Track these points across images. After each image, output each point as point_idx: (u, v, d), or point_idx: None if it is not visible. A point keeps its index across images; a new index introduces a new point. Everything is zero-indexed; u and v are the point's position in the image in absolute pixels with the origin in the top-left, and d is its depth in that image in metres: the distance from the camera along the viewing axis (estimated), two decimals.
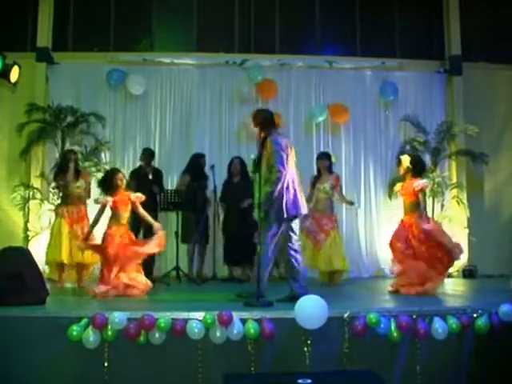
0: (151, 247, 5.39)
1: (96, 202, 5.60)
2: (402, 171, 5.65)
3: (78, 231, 5.96)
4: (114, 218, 5.43)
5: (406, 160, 5.58)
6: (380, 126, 8.41)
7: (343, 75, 8.42)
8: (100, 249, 5.34)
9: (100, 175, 7.38)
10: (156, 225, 5.51)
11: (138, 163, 7.45)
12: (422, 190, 5.49)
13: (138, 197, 5.52)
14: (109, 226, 5.40)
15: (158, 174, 7.32)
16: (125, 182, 5.55)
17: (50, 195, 7.28)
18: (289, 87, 8.31)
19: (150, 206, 6.95)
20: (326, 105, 8.14)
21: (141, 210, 5.53)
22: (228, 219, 7.05)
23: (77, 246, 5.76)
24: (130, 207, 5.48)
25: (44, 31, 8.01)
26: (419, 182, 5.48)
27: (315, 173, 6.68)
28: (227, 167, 7.24)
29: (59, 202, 6.38)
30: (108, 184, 5.51)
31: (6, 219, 7.74)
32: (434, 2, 8.79)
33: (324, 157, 6.72)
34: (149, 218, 5.55)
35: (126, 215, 5.47)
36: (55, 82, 7.99)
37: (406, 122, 8.10)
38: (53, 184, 6.72)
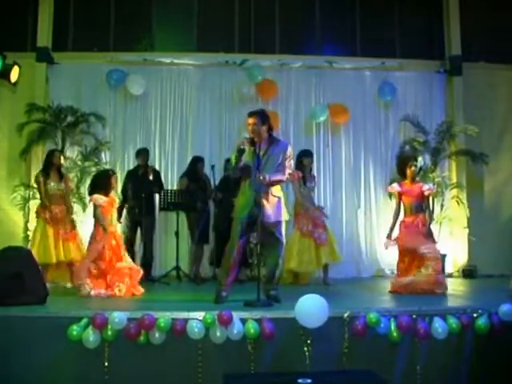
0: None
1: (94, 201, 5.61)
2: (413, 173, 5.66)
3: (61, 230, 5.99)
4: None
5: (420, 162, 5.67)
6: (380, 126, 8.41)
7: (343, 75, 8.41)
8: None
9: None
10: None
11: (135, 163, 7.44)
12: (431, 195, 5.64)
13: (116, 202, 5.70)
14: (97, 232, 5.42)
15: (157, 174, 7.32)
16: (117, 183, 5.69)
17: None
18: (289, 87, 8.31)
19: (151, 207, 6.96)
20: (327, 105, 8.14)
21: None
22: (220, 220, 6.92)
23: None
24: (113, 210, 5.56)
25: (44, 31, 8.00)
26: (430, 187, 5.70)
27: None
28: (224, 167, 7.18)
29: (40, 202, 6.30)
30: (103, 185, 5.55)
31: (6, 219, 7.74)
32: (434, 2, 8.79)
33: (311, 155, 6.73)
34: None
35: (110, 218, 5.50)
36: (55, 82, 7.98)
37: (406, 122, 8.09)
38: (32, 180, 6.71)
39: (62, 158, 6.48)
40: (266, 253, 4.83)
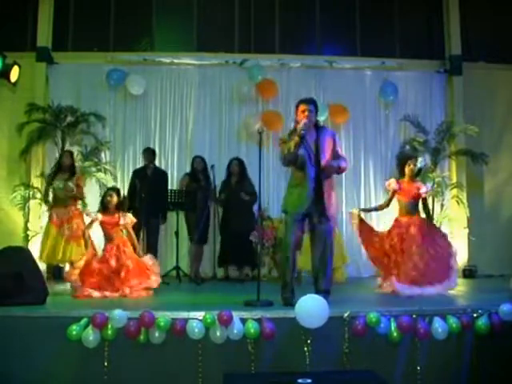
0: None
1: (87, 214, 5.67)
2: (412, 172, 5.65)
3: (65, 231, 5.98)
4: (106, 237, 5.51)
5: (420, 162, 5.65)
6: (380, 126, 8.41)
7: (343, 75, 8.41)
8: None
9: (100, 175, 7.42)
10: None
11: (141, 163, 7.45)
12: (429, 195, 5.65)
13: (128, 222, 5.53)
14: (104, 247, 5.47)
15: (164, 175, 7.33)
16: (115, 200, 5.52)
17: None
18: (289, 87, 8.30)
19: (157, 208, 6.90)
20: (327, 104, 8.14)
21: (132, 235, 5.58)
22: (226, 219, 7.03)
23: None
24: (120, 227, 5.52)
25: (44, 31, 7.99)
26: (428, 187, 5.73)
27: None
28: (226, 168, 7.23)
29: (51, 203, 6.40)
30: (100, 201, 5.65)
31: (6, 219, 7.73)
32: (434, 2, 8.79)
33: None
34: (135, 243, 5.56)
35: (117, 235, 5.48)
36: (55, 82, 7.98)
37: (406, 121, 8.09)
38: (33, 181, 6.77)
39: (68, 157, 6.48)
40: None
